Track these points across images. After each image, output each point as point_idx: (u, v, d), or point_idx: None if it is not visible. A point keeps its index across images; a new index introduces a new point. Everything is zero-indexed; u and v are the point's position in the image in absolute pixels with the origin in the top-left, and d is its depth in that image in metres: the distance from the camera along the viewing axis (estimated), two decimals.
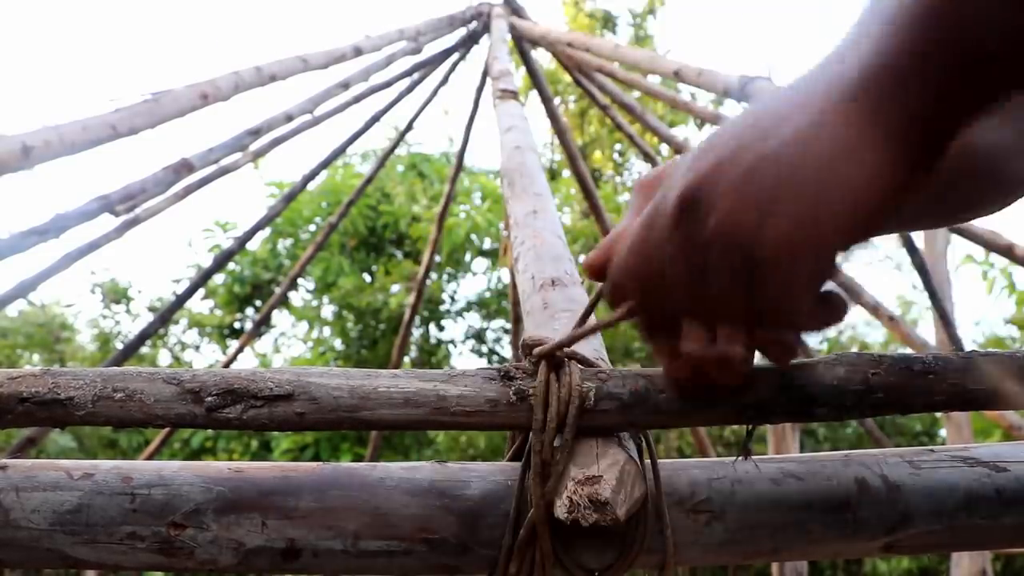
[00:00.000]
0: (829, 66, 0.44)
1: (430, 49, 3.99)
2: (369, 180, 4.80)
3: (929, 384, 0.57)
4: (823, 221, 0.42)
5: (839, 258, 0.44)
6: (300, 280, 8.34)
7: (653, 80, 4.26)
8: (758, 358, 0.52)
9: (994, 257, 4.84)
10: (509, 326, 6.20)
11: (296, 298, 9.14)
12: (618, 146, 9.56)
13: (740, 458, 0.60)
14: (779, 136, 0.43)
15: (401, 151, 8.99)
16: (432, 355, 8.91)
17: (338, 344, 8.84)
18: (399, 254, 9.06)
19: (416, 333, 8.56)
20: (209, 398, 0.55)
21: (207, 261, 8.19)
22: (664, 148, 7.22)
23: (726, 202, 0.43)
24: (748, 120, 0.45)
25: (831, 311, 0.48)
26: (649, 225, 0.48)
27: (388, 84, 3.85)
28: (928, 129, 0.42)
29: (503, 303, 8.58)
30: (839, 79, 0.43)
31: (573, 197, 8.73)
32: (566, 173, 8.63)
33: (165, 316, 4.02)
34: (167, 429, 3.37)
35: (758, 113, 0.45)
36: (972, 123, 0.41)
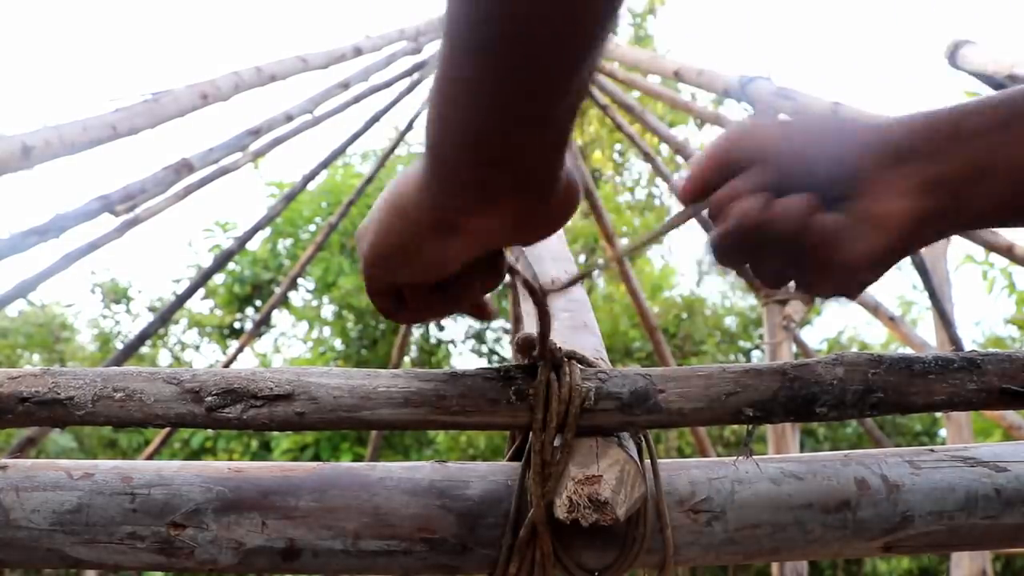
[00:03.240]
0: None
1: (430, 49, 3.99)
2: (369, 180, 4.80)
3: (929, 384, 0.57)
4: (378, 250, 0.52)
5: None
6: (300, 280, 8.33)
7: (653, 80, 4.26)
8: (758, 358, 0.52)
9: (994, 257, 4.83)
10: (509, 326, 6.19)
11: (296, 298, 9.14)
12: (618, 146, 9.55)
13: (740, 458, 0.60)
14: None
15: (401, 151, 8.98)
16: (432, 355, 8.90)
17: (338, 344, 8.83)
18: None
19: (416, 333, 8.54)
20: (209, 398, 0.55)
21: (207, 261, 8.19)
22: (664, 148, 7.21)
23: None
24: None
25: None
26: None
27: (388, 84, 3.85)
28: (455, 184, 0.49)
29: (503, 303, 8.57)
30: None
31: None
32: None
33: (165, 316, 4.01)
34: (167, 429, 3.36)
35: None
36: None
